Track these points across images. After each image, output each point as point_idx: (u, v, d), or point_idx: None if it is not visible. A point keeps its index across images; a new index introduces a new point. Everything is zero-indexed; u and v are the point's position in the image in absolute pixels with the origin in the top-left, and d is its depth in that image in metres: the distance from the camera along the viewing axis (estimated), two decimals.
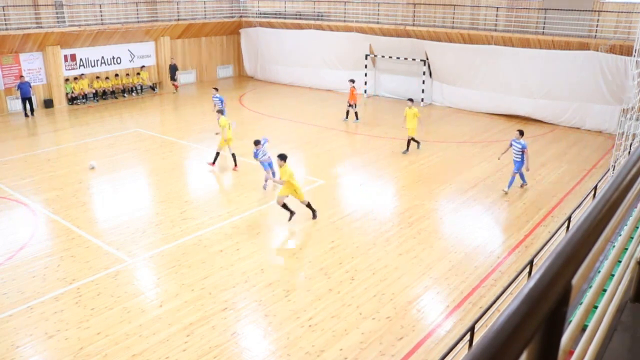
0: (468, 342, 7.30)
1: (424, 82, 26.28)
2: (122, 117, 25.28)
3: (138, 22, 30.04)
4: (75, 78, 28.52)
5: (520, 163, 14.91)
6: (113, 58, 29.93)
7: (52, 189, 15.96)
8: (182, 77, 33.11)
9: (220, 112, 18.40)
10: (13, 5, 26.02)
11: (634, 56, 17.40)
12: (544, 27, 23.15)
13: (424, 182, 16.01)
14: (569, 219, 10.64)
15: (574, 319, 1.74)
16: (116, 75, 29.92)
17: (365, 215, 13.75)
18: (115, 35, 28.97)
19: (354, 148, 20.08)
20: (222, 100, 20.66)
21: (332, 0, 30.88)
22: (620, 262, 2.73)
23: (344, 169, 17.54)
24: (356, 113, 22.94)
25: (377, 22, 27.89)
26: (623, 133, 16.02)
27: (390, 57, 27.25)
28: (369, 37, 27.91)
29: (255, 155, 15.25)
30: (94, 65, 29.31)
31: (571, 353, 1.79)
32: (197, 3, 32.88)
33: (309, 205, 13.38)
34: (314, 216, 13.45)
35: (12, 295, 10.33)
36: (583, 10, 22.47)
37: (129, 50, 30.42)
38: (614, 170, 15.09)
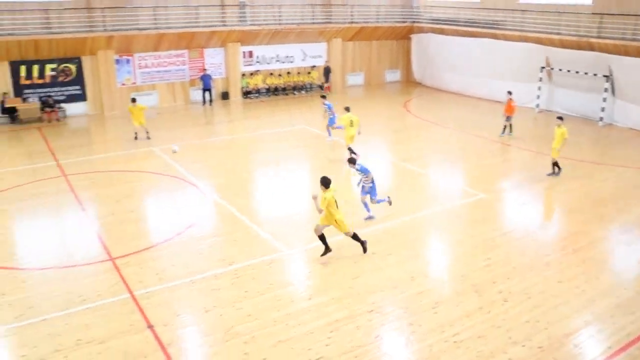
0: None
1: (605, 99, 24.25)
2: (291, 113, 26.42)
3: (313, 23, 31.22)
4: (251, 74, 30.42)
5: None
6: (287, 56, 31.41)
7: (222, 175, 17.13)
8: (350, 79, 33.90)
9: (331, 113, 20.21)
10: (205, 5, 28.29)
11: None
12: None
13: (595, 208, 14.75)
14: None
15: None
16: (288, 73, 31.46)
17: (525, 236, 13.01)
18: (291, 35, 30.36)
19: (518, 163, 19.10)
20: (330, 107, 20.81)
21: (509, 8, 29.68)
22: None
23: (506, 185, 16.75)
24: (510, 126, 21.77)
25: (558, 33, 26.25)
26: None
27: (568, 71, 25.50)
28: (547, 49, 26.35)
29: (363, 171, 13.42)
30: (269, 63, 30.99)
31: None
32: (370, 7, 33.40)
33: (355, 237, 11.79)
34: (364, 249, 11.91)
35: (178, 268, 11.24)
36: None
37: (302, 49, 31.74)
38: None
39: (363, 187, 13.50)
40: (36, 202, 15.29)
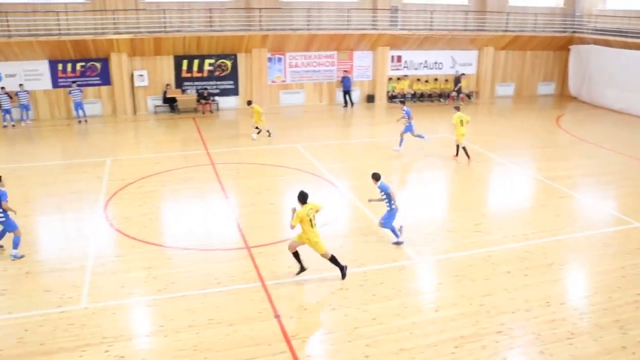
0: None
1: None
2: (434, 120, 25.98)
3: (465, 30, 30.44)
4: (398, 78, 30.33)
5: None
6: (435, 63, 30.95)
7: (361, 177, 17.22)
8: (499, 90, 32.63)
9: (409, 122, 19.91)
10: (357, 9, 28.68)
11: None
12: None
13: None
14: None
15: None
16: (435, 79, 30.98)
17: None
18: (441, 41, 29.84)
19: None
20: (408, 114, 20.05)
21: None
22: None
23: None
24: None
25: None
26: None
27: None
28: None
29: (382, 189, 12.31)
30: (417, 68, 30.73)
31: None
32: (528, 15, 31.81)
33: (333, 261, 10.76)
34: (343, 275, 10.86)
35: (309, 263, 11.43)
36: None
37: (451, 56, 31.10)
38: None
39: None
40: (185, 186, 16.42)
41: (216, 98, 27.81)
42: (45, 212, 14.80)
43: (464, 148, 18.87)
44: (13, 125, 24.64)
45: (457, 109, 19.37)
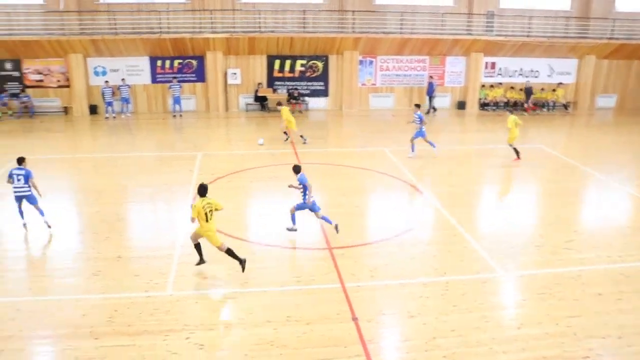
0: None
1: None
2: (527, 131, 25.03)
3: (565, 37, 29.12)
4: (491, 85, 29.47)
5: None
6: (531, 71, 29.83)
7: (447, 184, 16.88)
8: (600, 101, 30.98)
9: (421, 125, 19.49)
10: (451, 13, 28.14)
11: None
12: None
13: None
14: None
15: None
16: (521, 89, 29.80)
17: None
18: (538, 48, 28.73)
19: None
20: (421, 118, 19.51)
21: None
22: None
23: None
24: None
25: None
26: None
27: None
28: None
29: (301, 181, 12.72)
30: (511, 76, 29.74)
31: None
32: (637, 21, 29.89)
33: (230, 253, 10.89)
34: (242, 268, 10.91)
35: (390, 268, 11.33)
36: None
37: (548, 65, 29.86)
38: None
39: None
40: (272, 184, 16.72)
41: (306, 98, 28.17)
42: (138, 201, 15.53)
43: (514, 148, 19.34)
44: (114, 117, 26.08)
45: (511, 112, 19.93)
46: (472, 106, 29.30)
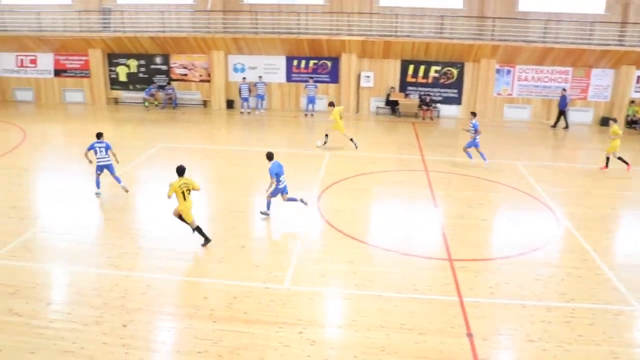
0: None
1: None
2: None
3: None
4: None
5: None
6: None
7: (581, 205, 15.83)
8: None
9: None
10: (601, 22, 26.29)
11: None
12: None
13: None
14: None
15: None
16: None
17: None
18: None
19: None
20: (476, 127, 18.79)
21: None
22: None
23: None
24: None
25: None
26: None
27: None
28: None
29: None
30: None
31: None
32: None
33: (198, 230, 12.24)
34: (205, 243, 12.27)
35: (512, 287, 10.81)
36: None
37: None
38: None
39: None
40: (396, 189, 16.63)
41: (438, 105, 27.69)
42: (265, 195, 16.07)
43: (619, 157, 18.96)
44: (248, 113, 27.30)
45: (615, 120, 19.76)
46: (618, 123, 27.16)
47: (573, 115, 27.09)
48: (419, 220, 14.54)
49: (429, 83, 27.58)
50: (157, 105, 28.62)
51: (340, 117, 20.72)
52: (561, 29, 26.27)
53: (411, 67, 27.42)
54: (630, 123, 27.02)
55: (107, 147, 15.44)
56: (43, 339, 9.03)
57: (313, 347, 8.79)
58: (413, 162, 19.21)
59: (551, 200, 16.01)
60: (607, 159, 19.17)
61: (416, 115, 27.18)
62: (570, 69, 26.98)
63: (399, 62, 27.40)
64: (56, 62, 29.67)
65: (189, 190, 12.08)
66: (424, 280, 11.03)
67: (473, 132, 18.90)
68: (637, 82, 26.97)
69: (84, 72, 29.46)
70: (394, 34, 26.56)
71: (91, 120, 26.47)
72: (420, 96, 27.59)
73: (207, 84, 28.61)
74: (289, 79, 28.11)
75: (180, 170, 12.14)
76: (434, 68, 27.35)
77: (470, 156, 19.18)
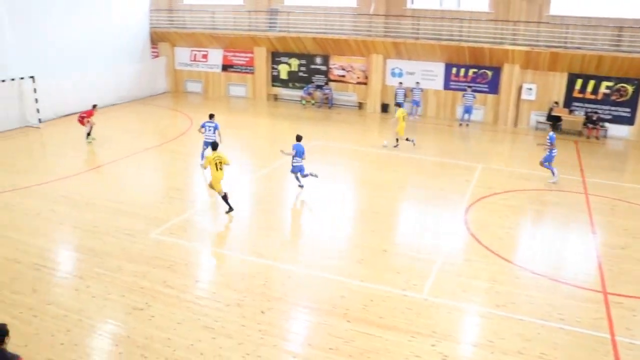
0: None
1: None
2: None
3: None
4: None
5: None
6: None
7: None
8: None
9: None
10: None
11: None
12: None
13: None
14: None
15: None
16: None
17: None
18: None
19: None
20: (552, 140, 17.79)
21: None
22: None
23: None
24: None
25: None
26: None
27: None
28: None
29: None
30: None
31: None
32: None
33: (224, 199, 14.08)
34: (228, 210, 14.12)
35: None
36: None
37: None
38: None
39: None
40: (551, 209, 15.67)
41: (606, 124, 25.53)
42: (411, 200, 15.99)
43: None
44: None
45: None
46: None
47: None
48: (573, 245, 13.55)
49: (597, 99, 25.51)
50: (313, 104, 29.54)
51: (403, 119, 20.98)
52: None
53: (579, 82, 25.55)
54: None
55: (216, 127, 17.67)
56: (189, 313, 9.70)
57: None
58: (572, 184, 17.90)
59: None
60: None
61: (580, 134, 25.29)
62: None
63: (566, 75, 25.65)
64: (224, 58, 31.79)
65: (221, 164, 14.03)
66: (572, 310, 10.23)
67: (549, 144, 17.83)
68: None
69: (248, 68, 31.23)
70: (562, 45, 24.94)
71: (251, 114, 27.98)
72: (586, 113, 25.62)
73: (363, 86, 28.96)
74: (446, 86, 27.57)
75: (215, 146, 14.41)
76: (605, 84, 25.25)
77: (554, 173, 17.95)
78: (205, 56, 32.32)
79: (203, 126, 17.77)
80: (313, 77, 29.86)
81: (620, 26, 24.44)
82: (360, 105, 29.25)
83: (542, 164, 18.11)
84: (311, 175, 16.19)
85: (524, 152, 22.36)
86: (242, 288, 10.60)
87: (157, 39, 32.62)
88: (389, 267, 11.61)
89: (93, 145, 20.68)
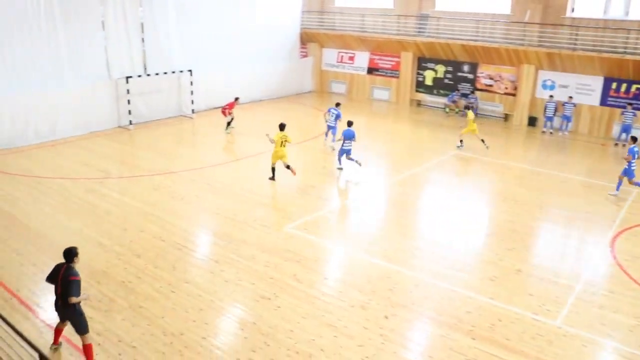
0: None
1: None
2: None
3: None
4: None
5: None
6: None
7: None
8: None
9: None
10: None
11: None
12: None
13: None
14: None
15: None
16: None
17: None
18: None
19: None
20: (633, 154, 16.53)
21: None
22: None
23: None
24: None
25: None
26: None
27: None
28: None
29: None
30: None
31: None
32: None
33: (272, 169, 16.73)
34: (292, 173, 16.43)
35: None
36: None
37: None
38: None
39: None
40: None
41: None
42: (552, 221, 15.08)
43: None
44: (551, 133, 25.68)
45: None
46: None
47: None
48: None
49: None
50: (457, 112, 28.82)
51: (473, 121, 21.65)
52: None
53: None
54: None
55: (338, 116, 19.69)
56: (313, 308, 9.90)
57: None
58: None
59: None
60: None
61: None
62: None
63: None
64: (371, 60, 32.03)
65: (286, 142, 16.27)
66: None
67: (634, 157, 16.53)
68: None
69: (393, 72, 31.21)
70: None
71: (392, 118, 27.96)
72: None
73: (511, 97, 27.74)
74: (603, 102, 25.58)
75: (282, 126, 16.42)
76: None
77: (617, 188, 16.88)
78: (351, 58, 32.80)
79: (329, 111, 20.38)
80: (459, 85, 29.15)
81: None
82: (506, 117, 28.02)
83: (621, 177, 16.99)
84: (356, 162, 17.50)
85: None
86: (368, 290, 10.62)
87: (306, 39, 33.66)
88: (522, 289, 11.03)
89: (236, 136, 21.93)
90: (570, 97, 25.60)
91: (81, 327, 8.12)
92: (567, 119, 25.63)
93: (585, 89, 25.77)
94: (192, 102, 25.56)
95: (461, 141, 21.94)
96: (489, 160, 20.49)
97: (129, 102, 23.10)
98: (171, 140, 21.73)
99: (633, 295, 11.01)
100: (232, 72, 27.81)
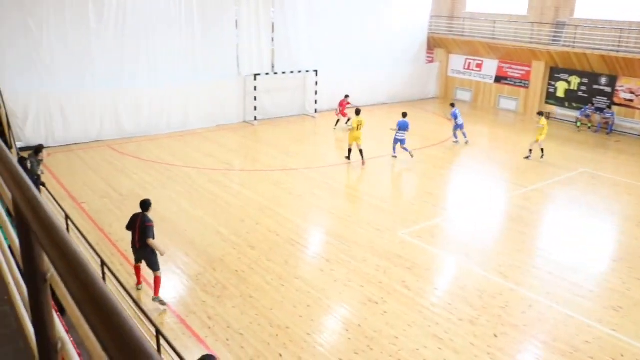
0: None
1: None
2: None
3: None
4: None
5: None
6: None
7: None
8: None
9: None
10: None
11: None
12: None
13: None
14: None
15: None
16: None
17: None
18: None
19: None
20: None
21: None
22: None
23: None
24: None
25: None
26: None
27: None
28: None
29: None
30: None
31: None
32: None
33: (349, 150, 18.54)
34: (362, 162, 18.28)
35: None
36: None
37: None
38: None
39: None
40: None
41: None
42: None
43: None
44: None
45: None
46: None
47: None
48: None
49: None
50: (589, 128, 26.93)
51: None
52: None
53: None
54: None
55: (406, 127, 19.24)
56: (420, 317, 9.71)
57: None
58: None
59: None
60: None
61: None
62: None
63: None
64: (499, 69, 30.84)
65: (361, 125, 17.89)
66: None
67: None
68: None
69: (523, 82, 29.86)
70: None
71: (518, 130, 26.73)
72: None
73: None
74: None
75: (357, 111, 18.33)
76: None
77: None
78: (479, 65, 31.82)
79: (453, 114, 21.52)
80: (594, 99, 27.28)
81: None
82: None
83: None
84: (410, 153, 18.61)
85: None
86: (479, 306, 10.24)
87: (433, 44, 33.11)
88: None
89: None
90: None
91: (155, 265, 9.78)
92: None
93: None
94: (316, 102, 26.05)
95: (530, 150, 20.72)
96: (623, 181, 18.98)
97: (255, 98, 24.01)
98: (293, 137, 22.28)
99: None
100: (357, 74, 28.00)
